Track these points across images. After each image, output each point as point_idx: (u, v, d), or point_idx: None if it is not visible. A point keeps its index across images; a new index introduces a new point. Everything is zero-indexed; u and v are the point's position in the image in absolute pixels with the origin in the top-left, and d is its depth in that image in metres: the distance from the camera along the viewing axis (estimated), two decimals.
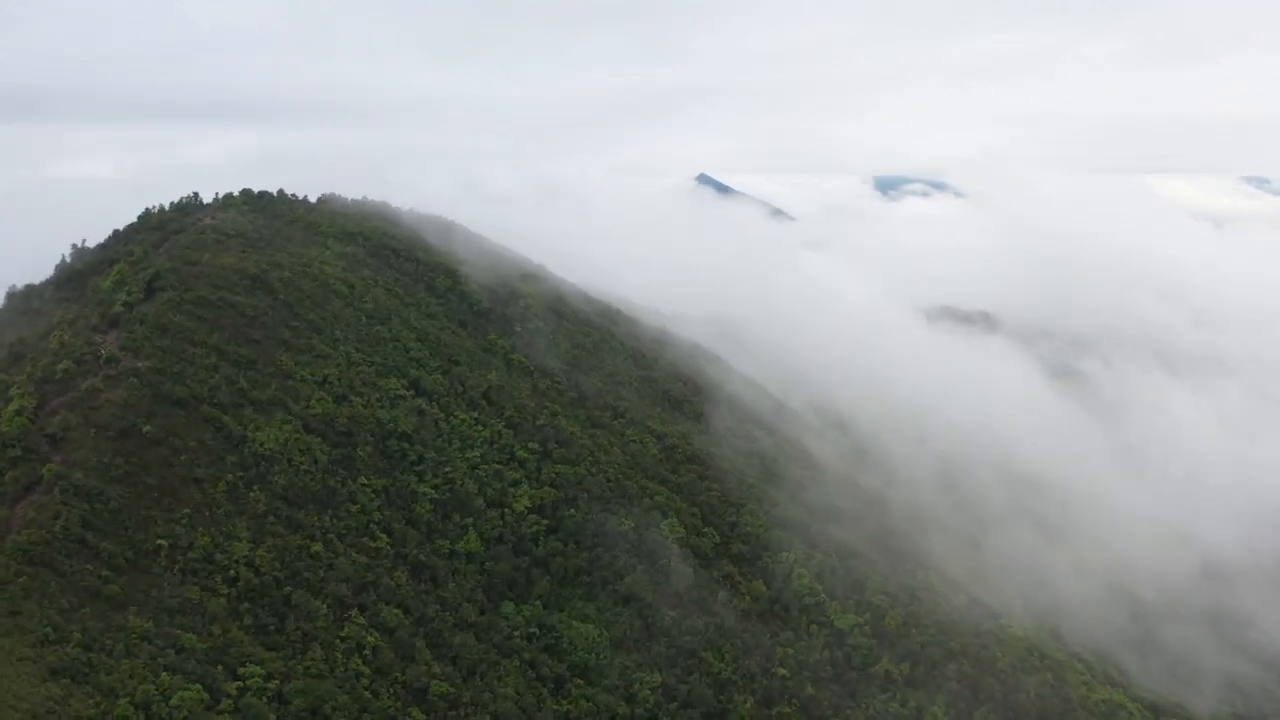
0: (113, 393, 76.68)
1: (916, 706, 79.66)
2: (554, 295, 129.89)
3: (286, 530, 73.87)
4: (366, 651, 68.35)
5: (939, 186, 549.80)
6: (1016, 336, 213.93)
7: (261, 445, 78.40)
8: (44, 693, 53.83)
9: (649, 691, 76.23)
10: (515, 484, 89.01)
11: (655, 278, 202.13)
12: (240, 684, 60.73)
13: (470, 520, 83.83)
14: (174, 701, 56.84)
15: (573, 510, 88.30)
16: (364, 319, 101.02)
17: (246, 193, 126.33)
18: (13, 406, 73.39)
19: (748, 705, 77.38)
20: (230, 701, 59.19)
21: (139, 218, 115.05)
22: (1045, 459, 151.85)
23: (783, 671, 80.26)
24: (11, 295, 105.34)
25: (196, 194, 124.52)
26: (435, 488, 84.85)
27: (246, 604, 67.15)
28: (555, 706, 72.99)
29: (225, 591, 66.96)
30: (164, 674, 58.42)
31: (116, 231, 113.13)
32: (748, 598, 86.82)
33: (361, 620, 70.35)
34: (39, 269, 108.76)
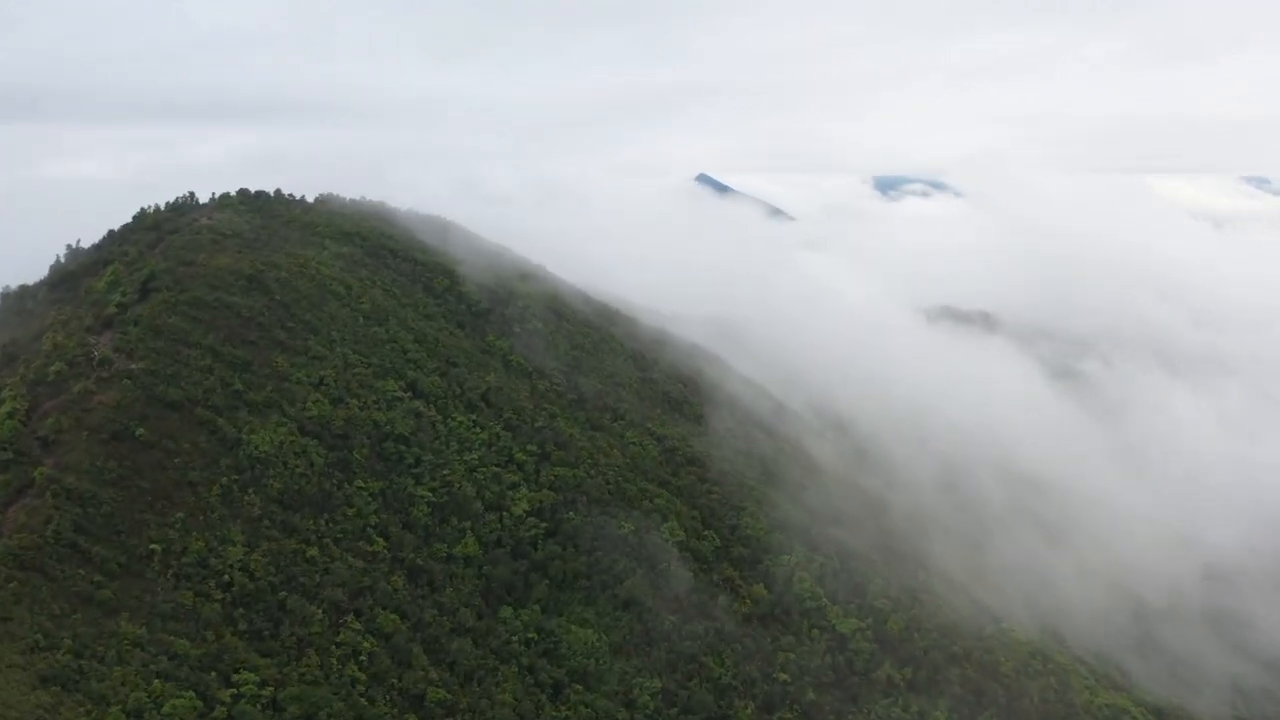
0: (106, 395, 75.85)
1: (919, 712, 78.94)
2: (553, 296, 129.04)
3: (281, 534, 73.05)
4: (362, 657, 67.52)
5: (939, 186, 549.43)
6: (1016, 336, 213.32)
7: (256, 448, 77.55)
8: (34, 700, 52.98)
9: (649, 697, 75.43)
10: (514, 487, 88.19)
11: (655, 278, 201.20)
12: (234, 691, 59.93)
13: (468, 524, 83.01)
14: (166, 709, 56.01)
15: (572, 513, 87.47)
16: (361, 320, 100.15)
17: (243, 192, 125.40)
18: (4, 409, 72.56)
19: (749, 711, 76.62)
20: (224, 709, 58.43)
21: (134, 218, 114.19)
22: (1045, 459, 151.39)
23: (784, 677, 79.50)
24: (5, 296, 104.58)
25: (192, 194, 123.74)
26: (433, 491, 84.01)
27: (241, 609, 66.32)
28: (554, 712, 72.17)
29: (219, 597, 66.16)
30: (156, 681, 57.61)
31: (111, 232, 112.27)
32: (748, 602, 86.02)
33: (357, 626, 69.51)
34: (38, 270, 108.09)
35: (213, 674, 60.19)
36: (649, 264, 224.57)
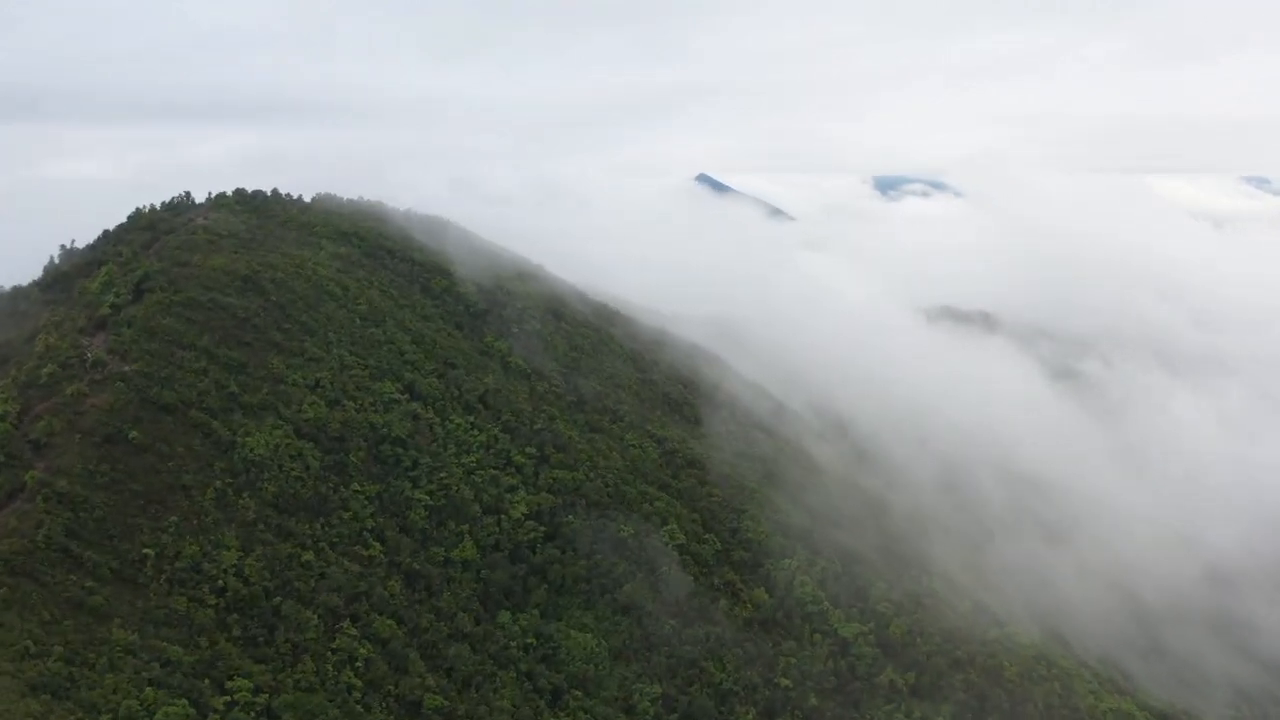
0: (99, 397, 74.86)
1: (922, 718, 78.18)
2: (552, 296, 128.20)
3: (276, 538, 72.10)
4: (359, 663, 66.61)
5: (939, 186, 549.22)
6: (1016, 336, 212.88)
7: (251, 451, 76.59)
8: (23, 709, 51.99)
9: (649, 703, 74.60)
10: (512, 490, 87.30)
11: (654, 278, 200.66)
12: (228, 698, 58.94)
13: (466, 527, 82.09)
14: (158, 717, 54.90)
15: (571, 517, 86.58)
16: (358, 321, 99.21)
17: (239, 192, 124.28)
18: None
19: (749, 717, 75.78)
20: (217, 716, 57.42)
21: (129, 218, 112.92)
22: (1045, 459, 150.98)
23: (785, 682, 78.66)
24: None
25: (188, 194, 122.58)
26: (430, 494, 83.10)
27: (235, 615, 65.33)
28: (553, 719, 71.32)
29: (213, 602, 65.17)
30: (148, 688, 56.58)
31: (106, 232, 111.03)
32: (749, 606, 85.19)
33: (353, 631, 68.58)
34: (37, 270, 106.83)
35: (206, 681, 59.21)
36: (649, 264, 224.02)
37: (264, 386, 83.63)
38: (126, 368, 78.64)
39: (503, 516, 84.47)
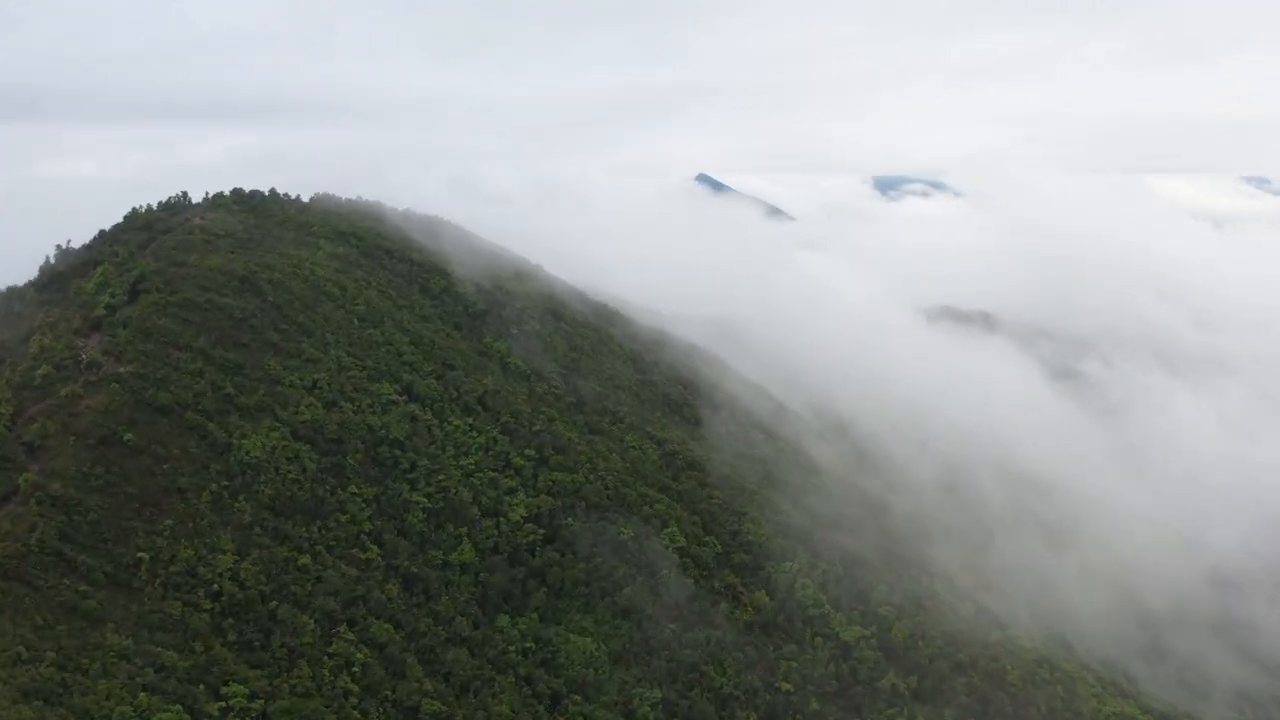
0: (93, 399, 74.16)
1: None
2: (551, 296, 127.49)
3: (273, 542, 71.41)
4: (355, 669, 65.94)
5: (939, 186, 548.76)
6: (1016, 337, 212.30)
7: (248, 453, 75.88)
8: (16, 715, 51.31)
9: (649, 707, 73.93)
10: (511, 492, 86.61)
11: (654, 278, 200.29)
12: (223, 704, 58.30)
13: (464, 530, 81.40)
14: None
15: (570, 519, 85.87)
16: (355, 322, 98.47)
17: (237, 192, 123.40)
18: None
19: None
20: None
21: (125, 218, 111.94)
22: (1045, 460, 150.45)
23: (786, 686, 78.04)
24: None
25: (185, 193, 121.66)
26: (428, 496, 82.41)
27: (230, 619, 64.67)
28: None
29: (208, 606, 64.49)
30: (143, 694, 55.94)
31: (102, 232, 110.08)
32: (750, 609, 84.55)
33: (350, 636, 67.89)
34: (34, 271, 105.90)
35: (201, 686, 58.53)
36: (648, 264, 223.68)
37: (261, 388, 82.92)
38: (121, 369, 77.94)
39: (501, 519, 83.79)
